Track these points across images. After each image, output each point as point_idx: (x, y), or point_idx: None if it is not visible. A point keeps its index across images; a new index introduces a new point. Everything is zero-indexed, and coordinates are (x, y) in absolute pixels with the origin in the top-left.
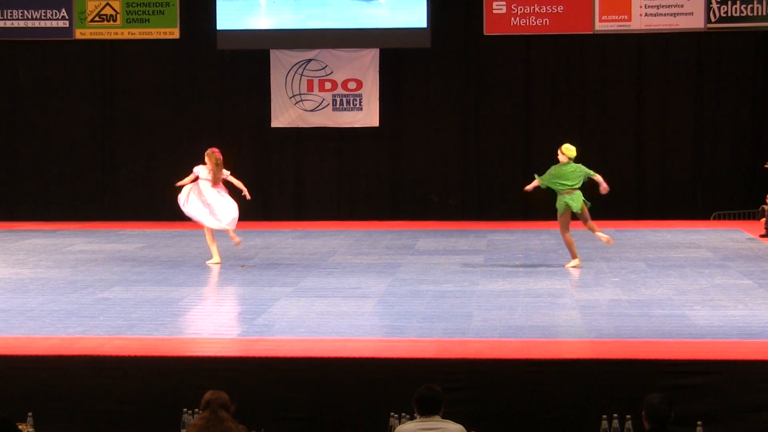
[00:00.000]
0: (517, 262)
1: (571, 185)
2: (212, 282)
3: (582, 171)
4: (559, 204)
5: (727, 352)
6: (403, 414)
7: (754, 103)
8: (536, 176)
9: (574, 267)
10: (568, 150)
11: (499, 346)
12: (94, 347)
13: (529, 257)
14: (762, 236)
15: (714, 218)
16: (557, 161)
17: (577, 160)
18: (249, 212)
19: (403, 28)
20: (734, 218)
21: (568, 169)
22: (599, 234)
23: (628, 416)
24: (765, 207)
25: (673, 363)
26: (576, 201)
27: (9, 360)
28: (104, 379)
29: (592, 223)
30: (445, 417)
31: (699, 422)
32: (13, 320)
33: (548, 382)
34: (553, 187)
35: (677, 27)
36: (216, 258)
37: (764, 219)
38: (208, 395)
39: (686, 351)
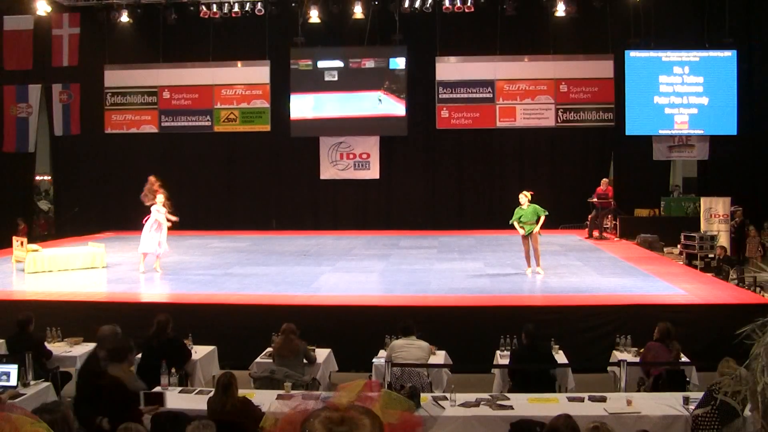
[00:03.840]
0: (455, 253)
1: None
2: (289, 263)
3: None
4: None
5: (567, 301)
6: (393, 336)
7: (582, 165)
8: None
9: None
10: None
11: (445, 299)
12: (224, 299)
13: (461, 250)
14: (586, 238)
15: (561, 228)
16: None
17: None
18: (306, 225)
19: (391, 124)
20: (572, 228)
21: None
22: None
23: (515, 336)
24: (587, 222)
25: (539, 308)
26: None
27: (176, 306)
28: (230, 317)
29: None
30: (417, 338)
31: (552, 339)
32: (180, 283)
33: (471, 319)
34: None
35: (540, 125)
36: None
37: (587, 229)
38: (284, 325)
39: (545, 301)
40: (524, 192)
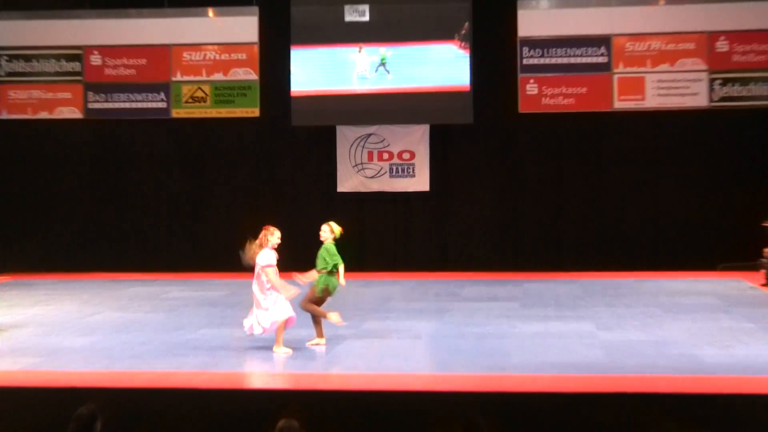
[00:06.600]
0: (549, 307)
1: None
2: (290, 331)
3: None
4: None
5: (731, 386)
6: None
7: (752, 170)
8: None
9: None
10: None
11: (533, 380)
12: (185, 381)
13: (559, 303)
14: (763, 285)
15: (720, 269)
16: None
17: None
18: (315, 262)
19: (449, 108)
20: (736, 269)
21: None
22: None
23: None
24: (763, 260)
25: (686, 396)
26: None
27: (112, 392)
28: (193, 410)
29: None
30: None
31: None
32: (116, 356)
33: (578, 413)
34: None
35: (685, 105)
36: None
37: (764, 270)
38: (280, 423)
39: (696, 385)
40: (329, 223)
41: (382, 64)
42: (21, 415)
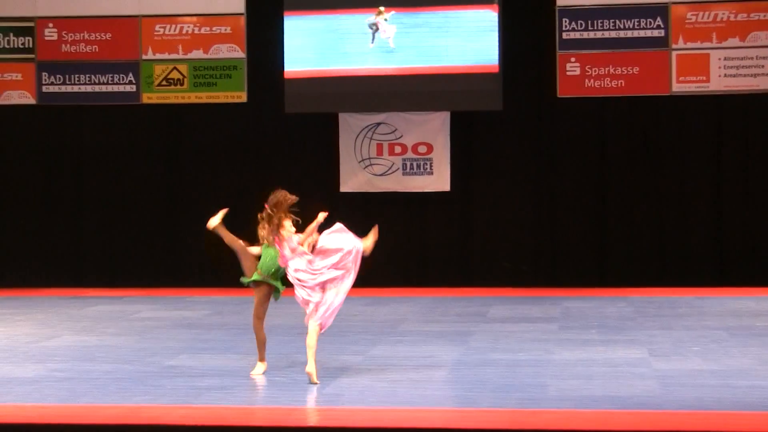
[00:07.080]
0: (593, 331)
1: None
2: (280, 350)
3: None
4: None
5: None
6: None
7: None
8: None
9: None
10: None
11: (574, 417)
12: (160, 416)
13: (604, 325)
14: None
15: None
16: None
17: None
18: None
19: (474, 90)
20: None
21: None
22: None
23: None
24: None
25: None
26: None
27: (74, 429)
28: None
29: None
30: None
31: None
32: (78, 388)
33: None
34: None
35: (758, 88)
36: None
37: None
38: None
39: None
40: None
41: (384, 20)
42: None
